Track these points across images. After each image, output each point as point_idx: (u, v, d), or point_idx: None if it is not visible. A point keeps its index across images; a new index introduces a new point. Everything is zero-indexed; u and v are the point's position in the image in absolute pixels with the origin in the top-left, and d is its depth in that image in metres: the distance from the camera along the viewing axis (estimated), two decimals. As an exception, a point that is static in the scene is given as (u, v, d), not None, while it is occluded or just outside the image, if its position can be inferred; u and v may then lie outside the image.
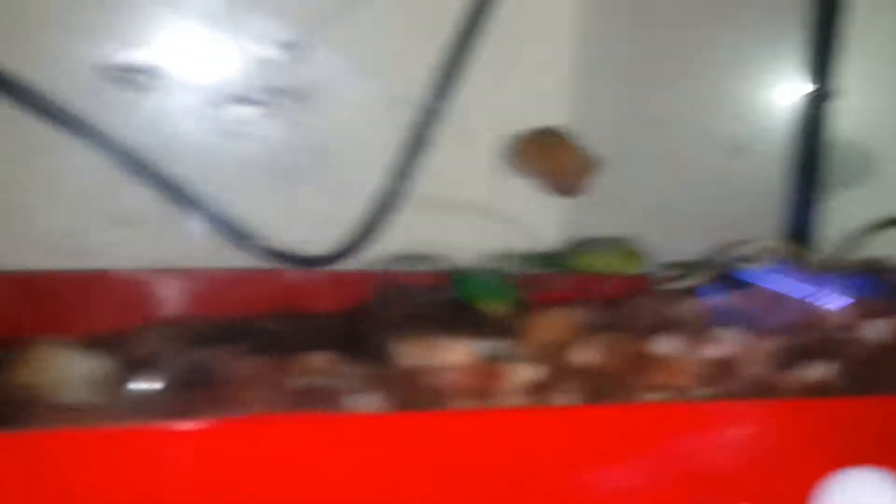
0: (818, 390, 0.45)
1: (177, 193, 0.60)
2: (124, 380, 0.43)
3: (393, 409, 0.39)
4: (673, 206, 0.69)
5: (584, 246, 0.51)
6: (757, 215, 0.70)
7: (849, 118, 0.70)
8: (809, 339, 0.46)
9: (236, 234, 0.62)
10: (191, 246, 0.61)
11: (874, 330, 0.46)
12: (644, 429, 0.40)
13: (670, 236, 0.66)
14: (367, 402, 0.40)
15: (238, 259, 0.63)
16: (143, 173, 0.59)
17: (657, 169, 0.69)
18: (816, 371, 0.45)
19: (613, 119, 0.69)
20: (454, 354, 0.42)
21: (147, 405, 0.43)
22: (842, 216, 0.69)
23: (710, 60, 0.70)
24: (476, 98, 0.65)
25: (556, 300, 0.45)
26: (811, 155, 0.70)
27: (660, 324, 0.45)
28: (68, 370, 0.42)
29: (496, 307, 0.45)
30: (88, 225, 0.60)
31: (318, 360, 0.43)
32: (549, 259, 0.49)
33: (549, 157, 0.62)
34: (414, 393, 0.40)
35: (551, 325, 0.43)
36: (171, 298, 0.59)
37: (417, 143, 0.64)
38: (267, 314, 0.60)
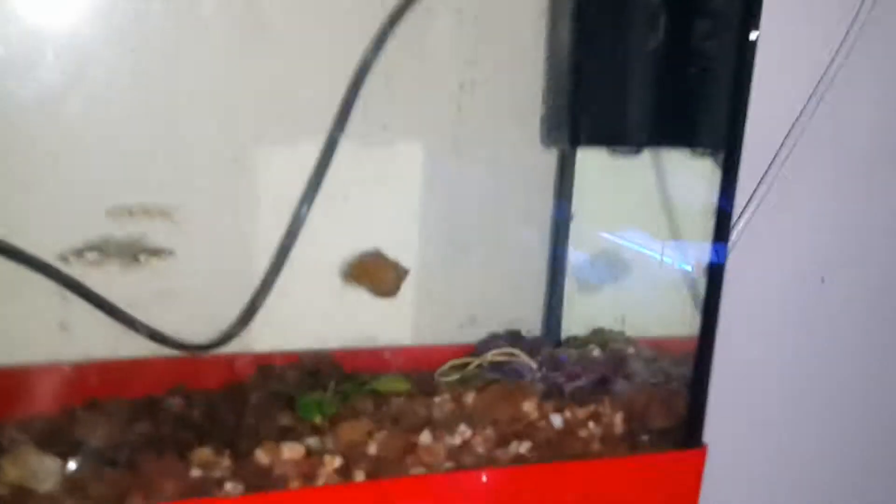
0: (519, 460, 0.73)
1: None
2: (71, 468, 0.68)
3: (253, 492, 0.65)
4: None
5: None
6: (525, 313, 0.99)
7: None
8: (518, 427, 0.75)
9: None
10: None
11: (557, 421, 0.75)
12: (412, 491, 0.68)
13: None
14: (233, 487, 0.66)
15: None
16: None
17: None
18: (520, 448, 0.74)
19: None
20: (292, 453, 0.68)
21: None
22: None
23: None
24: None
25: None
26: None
27: (424, 423, 0.73)
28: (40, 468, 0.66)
29: (319, 419, 0.71)
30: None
31: (206, 455, 0.68)
32: (355, 388, 0.76)
33: (371, 273, 0.89)
34: (266, 479, 0.66)
35: (353, 429, 0.70)
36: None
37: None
38: (167, 395, 0.84)
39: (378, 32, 0.87)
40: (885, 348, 1.23)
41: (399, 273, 0.90)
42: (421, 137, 0.93)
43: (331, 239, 0.92)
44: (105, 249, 0.82)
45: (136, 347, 0.86)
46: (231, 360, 0.89)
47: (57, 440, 0.75)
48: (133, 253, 0.84)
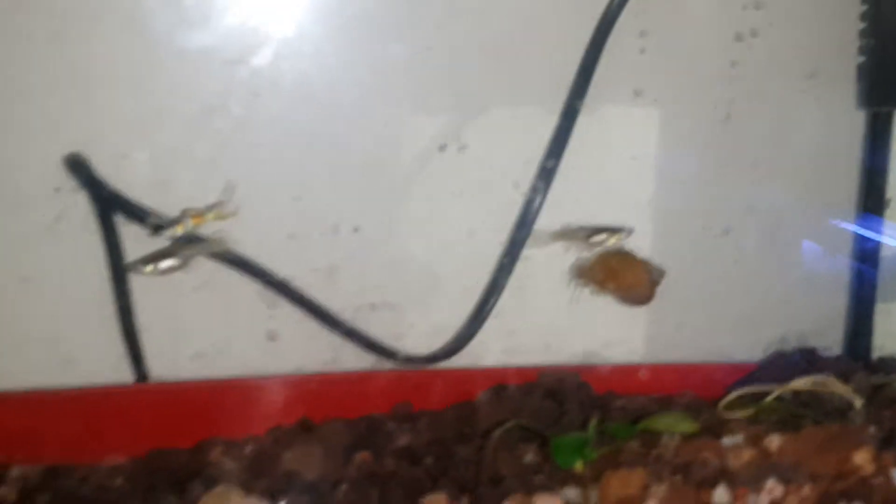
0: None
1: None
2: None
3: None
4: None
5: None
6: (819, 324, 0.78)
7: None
8: (846, 484, 0.55)
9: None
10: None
11: (903, 476, 0.55)
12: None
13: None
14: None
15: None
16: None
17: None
18: (851, 512, 0.54)
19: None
20: (547, 508, 0.53)
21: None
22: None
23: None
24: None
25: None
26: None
27: (717, 475, 0.55)
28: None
29: (579, 466, 0.56)
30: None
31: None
32: (622, 428, 0.60)
33: (619, 275, 0.72)
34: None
35: (624, 481, 0.54)
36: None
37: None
38: (390, 416, 0.71)
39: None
40: None
41: (654, 275, 0.73)
42: (684, 103, 0.75)
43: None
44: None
45: (352, 360, 0.74)
46: (457, 375, 0.75)
47: (265, 470, 0.65)
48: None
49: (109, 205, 0.68)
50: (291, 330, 0.72)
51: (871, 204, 0.73)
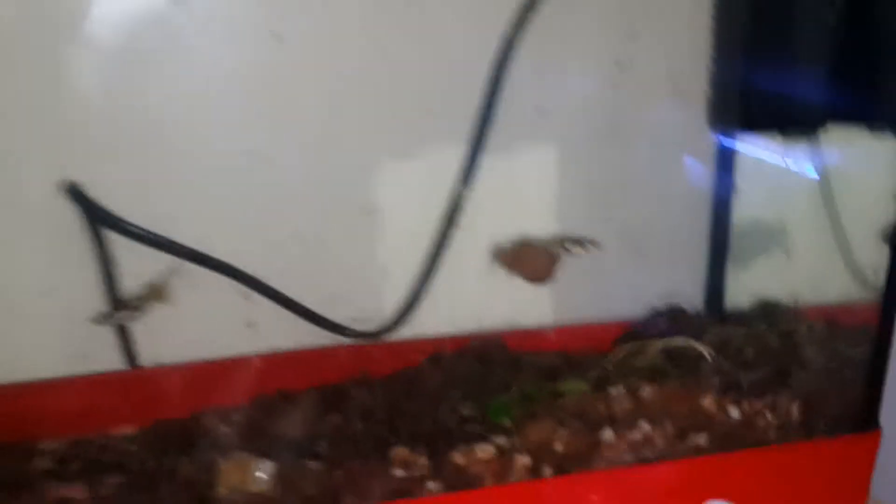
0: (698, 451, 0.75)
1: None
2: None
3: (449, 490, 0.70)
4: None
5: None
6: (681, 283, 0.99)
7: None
8: (696, 421, 0.76)
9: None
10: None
11: (734, 413, 0.76)
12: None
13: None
14: (434, 486, 0.70)
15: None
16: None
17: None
18: (698, 439, 0.75)
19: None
20: (484, 453, 0.72)
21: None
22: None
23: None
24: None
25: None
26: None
27: (604, 420, 0.75)
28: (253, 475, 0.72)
29: (507, 420, 0.75)
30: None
31: (405, 454, 0.73)
32: (538, 391, 0.79)
33: (526, 260, 0.90)
34: (463, 478, 0.71)
35: (538, 429, 0.73)
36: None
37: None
38: (352, 383, 0.88)
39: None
40: None
41: (552, 260, 0.91)
42: (576, 121, 0.92)
43: (483, 224, 0.93)
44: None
45: (316, 339, 0.91)
46: (404, 345, 0.93)
47: (255, 433, 0.81)
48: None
49: (99, 221, 0.81)
50: (266, 318, 0.88)
51: (721, 193, 0.94)
